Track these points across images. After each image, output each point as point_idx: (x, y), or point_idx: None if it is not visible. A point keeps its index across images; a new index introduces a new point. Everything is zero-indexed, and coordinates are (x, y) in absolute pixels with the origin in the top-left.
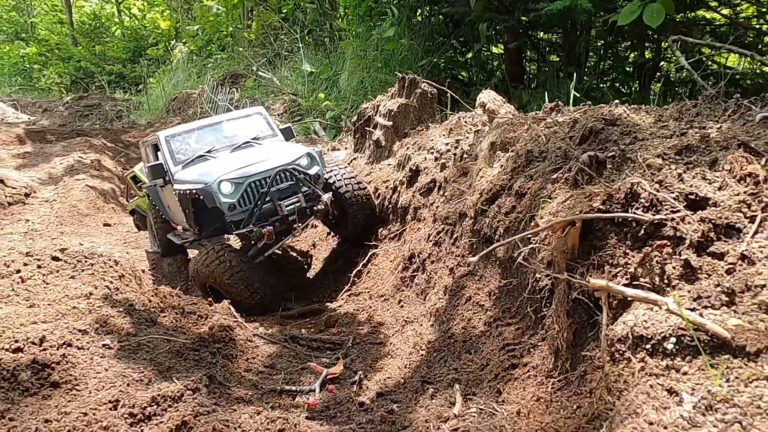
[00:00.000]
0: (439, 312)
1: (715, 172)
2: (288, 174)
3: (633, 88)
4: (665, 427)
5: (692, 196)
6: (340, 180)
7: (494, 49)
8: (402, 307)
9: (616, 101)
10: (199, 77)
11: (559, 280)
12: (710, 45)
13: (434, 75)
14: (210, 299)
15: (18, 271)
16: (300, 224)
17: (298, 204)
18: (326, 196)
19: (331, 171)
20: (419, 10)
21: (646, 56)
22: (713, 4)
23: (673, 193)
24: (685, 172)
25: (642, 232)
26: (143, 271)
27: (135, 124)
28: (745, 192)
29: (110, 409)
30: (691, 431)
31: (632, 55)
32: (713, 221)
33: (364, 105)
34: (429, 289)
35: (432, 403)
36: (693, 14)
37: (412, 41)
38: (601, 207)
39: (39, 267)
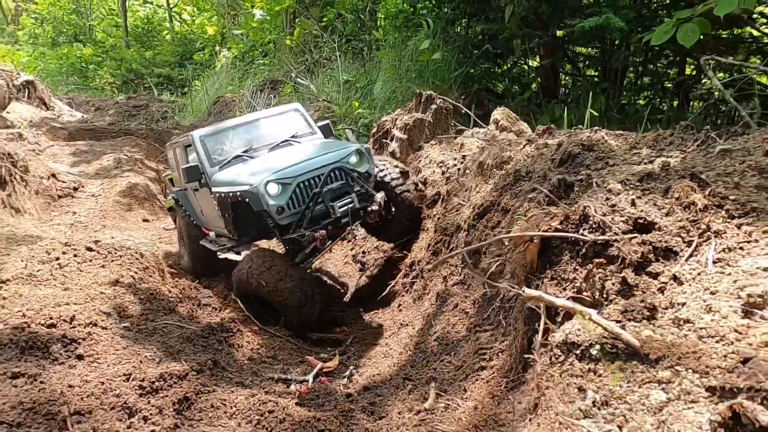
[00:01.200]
0: (429, 316)
1: (666, 199)
2: (340, 173)
3: (670, 106)
4: (566, 417)
5: (641, 221)
6: (392, 177)
7: (531, 62)
8: (400, 311)
9: (597, 127)
10: (240, 82)
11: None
12: (744, 64)
13: (467, 86)
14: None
15: (57, 259)
16: (353, 227)
17: (351, 205)
18: (379, 196)
19: (383, 167)
20: (455, 23)
21: (687, 73)
22: (763, 21)
23: (623, 216)
24: (639, 197)
25: (589, 251)
26: (170, 266)
27: (178, 125)
28: (686, 219)
29: (123, 380)
30: (584, 421)
31: (673, 71)
32: (653, 244)
33: (384, 118)
34: (424, 295)
35: (409, 397)
36: (739, 31)
37: (446, 53)
38: (558, 227)
39: (75, 256)
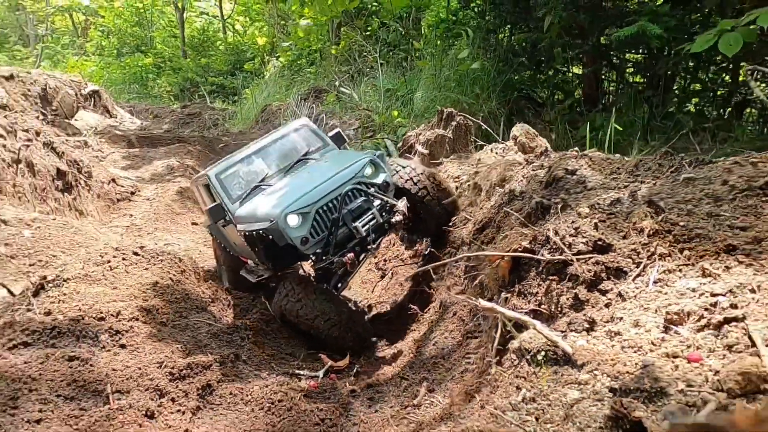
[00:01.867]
0: (432, 323)
1: (625, 223)
2: (357, 191)
3: (717, 114)
4: (497, 410)
5: (600, 242)
6: (412, 180)
7: (575, 69)
8: (410, 317)
9: (582, 151)
10: (287, 90)
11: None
12: None
13: (506, 94)
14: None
15: (108, 262)
16: (374, 245)
17: (374, 221)
18: (401, 204)
19: (399, 172)
20: (496, 32)
21: (740, 79)
22: None
23: (585, 238)
24: (603, 221)
25: (551, 269)
26: (208, 271)
27: (228, 132)
28: (639, 242)
29: (157, 367)
30: (509, 413)
31: (726, 78)
32: (606, 264)
33: (409, 133)
34: (431, 304)
35: (402, 394)
36: None
37: (486, 62)
38: (527, 246)
39: (123, 259)
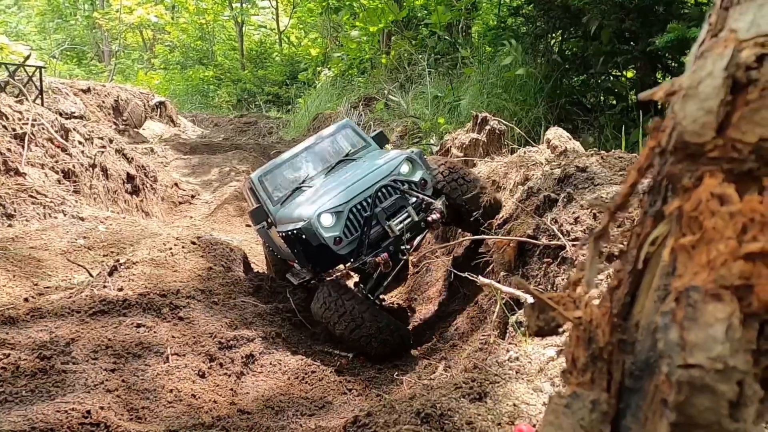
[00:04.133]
0: (455, 311)
1: (623, 213)
2: (391, 188)
3: None
4: (485, 365)
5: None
6: (442, 178)
7: (628, 74)
8: (437, 305)
9: (595, 150)
10: (338, 99)
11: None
12: None
13: (554, 100)
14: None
15: (170, 249)
16: (408, 245)
17: (409, 220)
18: (439, 202)
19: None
20: (543, 38)
21: None
22: None
23: (583, 226)
24: (602, 212)
25: (551, 254)
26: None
27: (281, 139)
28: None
29: (209, 337)
30: (494, 368)
31: None
32: (600, 250)
33: (447, 137)
34: (456, 292)
35: (423, 371)
36: None
37: (532, 68)
38: (530, 233)
39: (183, 247)
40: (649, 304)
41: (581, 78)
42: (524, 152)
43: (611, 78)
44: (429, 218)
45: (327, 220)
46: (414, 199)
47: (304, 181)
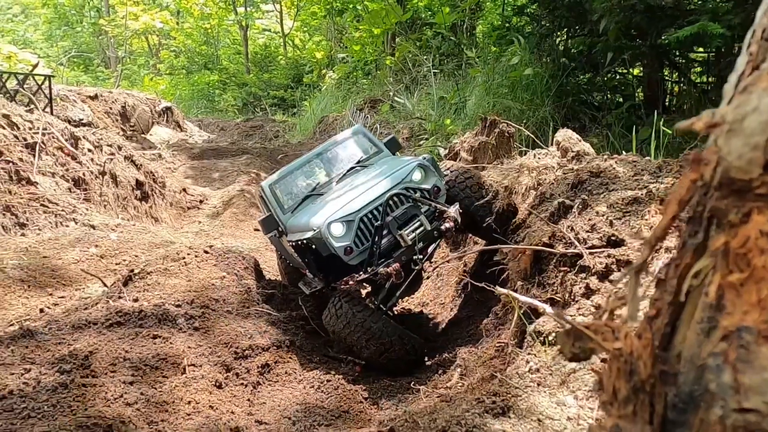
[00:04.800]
0: (468, 318)
1: (639, 221)
2: (402, 197)
3: None
4: (505, 377)
5: (613, 237)
6: (455, 184)
7: (635, 71)
8: (450, 311)
9: (607, 154)
10: (343, 102)
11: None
12: None
13: (561, 100)
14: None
15: (183, 258)
16: (421, 254)
17: (422, 229)
18: (453, 209)
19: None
20: (549, 37)
21: None
22: None
23: (599, 234)
24: (618, 219)
25: (568, 261)
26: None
27: (288, 143)
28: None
29: (224, 347)
30: (514, 380)
31: None
32: (617, 257)
33: (455, 140)
34: (470, 299)
35: (438, 379)
36: None
37: (538, 68)
38: (546, 241)
39: (196, 256)
40: (692, 336)
41: (587, 76)
42: (534, 155)
43: (618, 76)
44: (442, 227)
45: (337, 229)
46: (426, 208)
47: (314, 189)
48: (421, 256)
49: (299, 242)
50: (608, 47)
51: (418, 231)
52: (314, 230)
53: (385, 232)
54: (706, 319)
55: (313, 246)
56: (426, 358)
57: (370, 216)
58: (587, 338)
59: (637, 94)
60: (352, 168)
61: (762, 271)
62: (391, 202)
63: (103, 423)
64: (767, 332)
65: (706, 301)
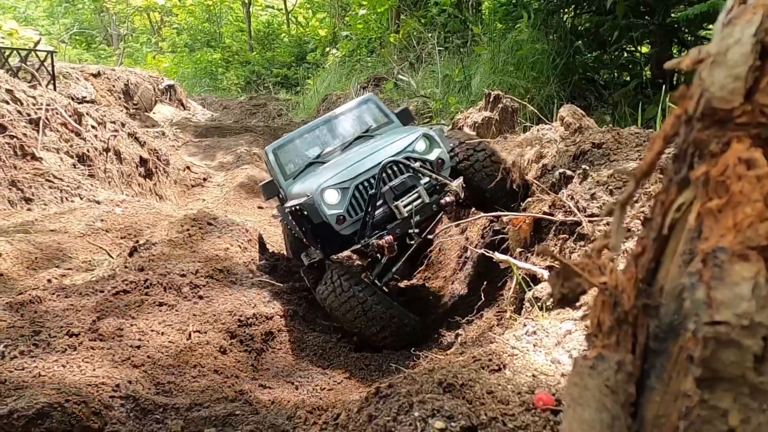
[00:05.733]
0: (471, 286)
1: (639, 190)
2: (401, 166)
3: None
4: (503, 340)
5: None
6: (464, 160)
7: (643, 49)
8: (452, 284)
9: (609, 127)
10: (347, 80)
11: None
12: None
13: (567, 77)
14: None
15: (187, 230)
16: (417, 229)
17: (419, 201)
18: (456, 183)
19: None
20: (558, 13)
21: None
22: None
23: (599, 203)
24: (619, 188)
25: (567, 230)
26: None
27: (291, 121)
28: (648, 206)
29: (228, 314)
30: (512, 342)
31: None
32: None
33: (458, 116)
34: (472, 271)
35: (438, 347)
36: None
37: (546, 45)
38: (546, 210)
39: (200, 228)
40: (674, 269)
41: (595, 54)
42: (537, 130)
43: (625, 54)
44: (442, 201)
45: (332, 196)
46: (427, 180)
47: (318, 156)
48: (417, 230)
49: (294, 209)
50: (616, 25)
51: (415, 203)
52: (307, 196)
53: (380, 202)
54: (688, 251)
55: (306, 213)
56: (426, 330)
57: (366, 184)
58: (575, 277)
59: (644, 73)
60: (359, 137)
61: (739, 196)
62: (390, 171)
63: (111, 382)
64: (741, 252)
65: (688, 232)
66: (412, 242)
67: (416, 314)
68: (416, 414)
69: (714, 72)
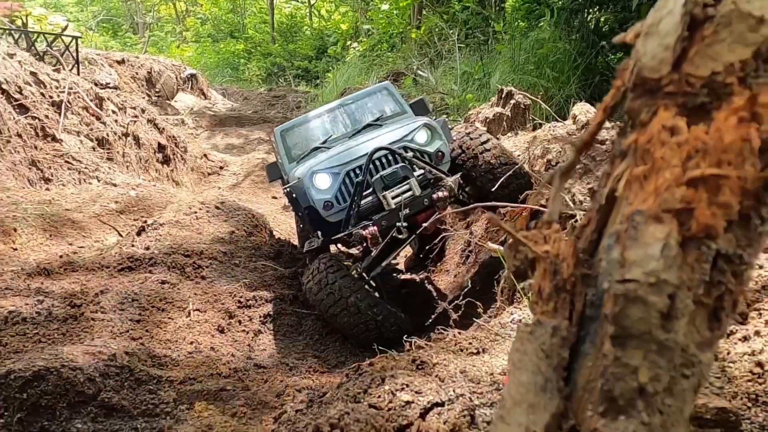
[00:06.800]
0: (470, 281)
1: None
2: (395, 155)
3: None
4: (487, 326)
5: None
6: (467, 151)
7: None
8: (455, 277)
9: (615, 123)
10: (367, 74)
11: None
12: None
13: (588, 78)
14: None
15: (195, 212)
16: (405, 222)
17: (409, 193)
18: (452, 179)
19: (455, 142)
20: (579, 13)
21: None
22: None
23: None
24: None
25: (563, 223)
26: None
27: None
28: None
29: (229, 296)
30: (497, 329)
31: None
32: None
33: (471, 112)
34: (474, 265)
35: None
36: None
37: (567, 44)
38: (543, 203)
39: (207, 211)
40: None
41: (619, 56)
42: (548, 127)
43: None
44: (434, 195)
45: (322, 181)
46: (421, 172)
47: (325, 141)
48: (405, 224)
49: (286, 191)
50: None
51: (405, 195)
52: (298, 179)
53: (369, 191)
54: (614, 229)
55: (294, 195)
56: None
57: (358, 171)
58: (525, 247)
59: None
60: (368, 125)
61: (660, 162)
62: (384, 160)
63: (108, 352)
64: (656, 214)
65: (620, 202)
66: (401, 236)
67: (415, 308)
68: (386, 387)
69: (647, 42)
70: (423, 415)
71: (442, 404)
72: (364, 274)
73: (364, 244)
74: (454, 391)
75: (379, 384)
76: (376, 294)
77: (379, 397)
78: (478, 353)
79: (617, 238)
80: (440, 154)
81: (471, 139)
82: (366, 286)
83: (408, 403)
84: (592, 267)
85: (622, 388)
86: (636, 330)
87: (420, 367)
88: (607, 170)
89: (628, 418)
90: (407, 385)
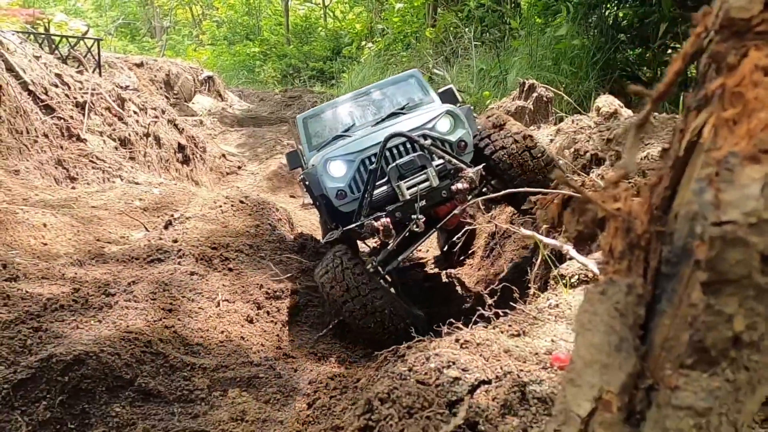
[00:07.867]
0: (497, 273)
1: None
2: (413, 143)
3: None
4: (525, 310)
5: None
6: (496, 143)
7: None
8: (479, 270)
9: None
10: (382, 74)
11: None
12: None
13: (607, 74)
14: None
15: (220, 207)
16: (421, 215)
17: (426, 184)
18: (473, 171)
19: (482, 132)
20: (597, 7)
21: None
22: None
23: (629, 183)
24: (651, 168)
25: None
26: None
27: None
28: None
29: (257, 288)
30: (534, 314)
31: None
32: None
33: (491, 105)
34: (499, 257)
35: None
36: None
37: (585, 39)
38: (575, 190)
39: (232, 206)
40: (689, 195)
41: (637, 51)
42: (572, 120)
43: (669, 50)
44: (453, 187)
45: (337, 169)
46: (441, 162)
47: (348, 130)
48: (420, 217)
49: (300, 179)
50: (662, 18)
51: (421, 186)
52: (313, 165)
53: (384, 180)
54: (704, 173)
55: (307, 183)
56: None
57: (374, 159)
58: (591, 208)
59: (689, 70)
60: (393, 113)
61: (754, 103)
62: (402, 148)
63: (143, 339)
64: (752, 154)
65: (703, 152)
66: (418, 229)
67: (437, 302)
68: (432, 365)
69: None
70: (471, 392)
71: (489, 382)
72: (379, 268)
73: (378, 237)
74: (501, 368)
75: (423, 362)
76: (392, 289)
77: (426, 374)
78: (519, 335)
79: (709, 182)
80: (463, 143)
81: (498, 128)
82: (381, 281)
83: (456, 379)
84: (666, 224)
85: (715, 338)
86: (733, 274)
87: (464, 346)
88: (680, 127)
89: (711, 375)
90: (453, 363)
